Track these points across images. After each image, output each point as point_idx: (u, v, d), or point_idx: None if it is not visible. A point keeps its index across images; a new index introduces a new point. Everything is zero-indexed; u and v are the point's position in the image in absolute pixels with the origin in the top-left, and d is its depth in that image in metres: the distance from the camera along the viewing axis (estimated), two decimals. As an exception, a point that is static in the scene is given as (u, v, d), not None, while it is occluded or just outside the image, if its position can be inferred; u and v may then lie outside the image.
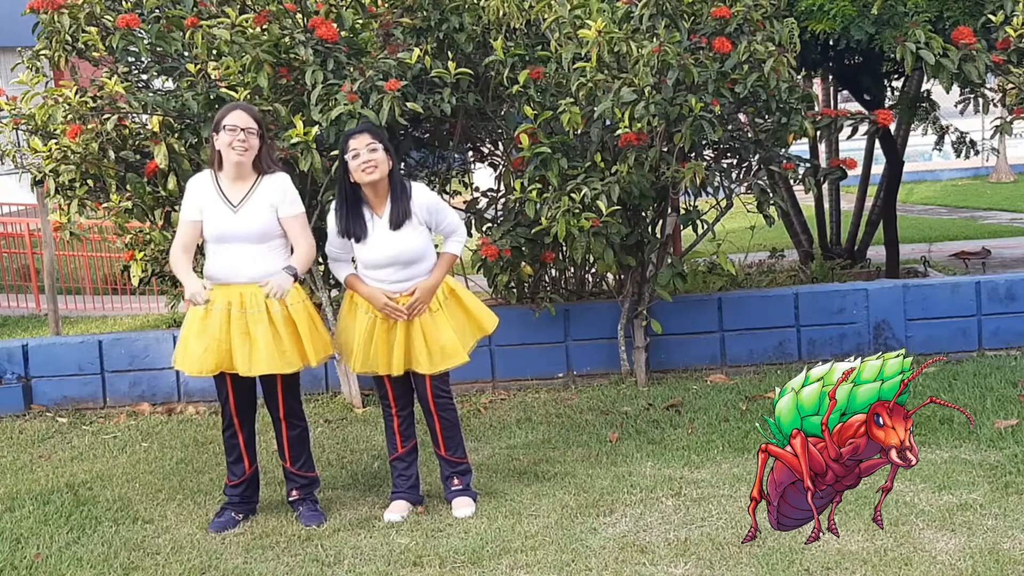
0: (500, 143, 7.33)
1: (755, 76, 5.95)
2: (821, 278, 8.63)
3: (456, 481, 4.88)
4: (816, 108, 6.69)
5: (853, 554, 4.08)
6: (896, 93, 8.96)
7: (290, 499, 4.93)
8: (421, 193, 4.77)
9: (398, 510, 4.80)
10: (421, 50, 6.21)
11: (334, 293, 6.84)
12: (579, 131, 6.12)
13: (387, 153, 4.67)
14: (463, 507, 4.78)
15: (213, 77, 6.14)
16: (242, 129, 4.57)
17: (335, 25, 6.13)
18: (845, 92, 9.71)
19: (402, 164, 7.17)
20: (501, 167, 7.40)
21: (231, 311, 4.62)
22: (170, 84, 6.72)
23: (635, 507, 4.69)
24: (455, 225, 4.90)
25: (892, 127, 8.33)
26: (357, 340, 4.77)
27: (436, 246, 4.91)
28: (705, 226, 6.68)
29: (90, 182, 6.17)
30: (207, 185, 4.69)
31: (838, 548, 4.11)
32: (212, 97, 6.07)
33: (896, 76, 8.60)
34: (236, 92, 5.92)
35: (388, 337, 4.71)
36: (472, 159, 8.04)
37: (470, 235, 7.34)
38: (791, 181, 7.04)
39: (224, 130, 4.59)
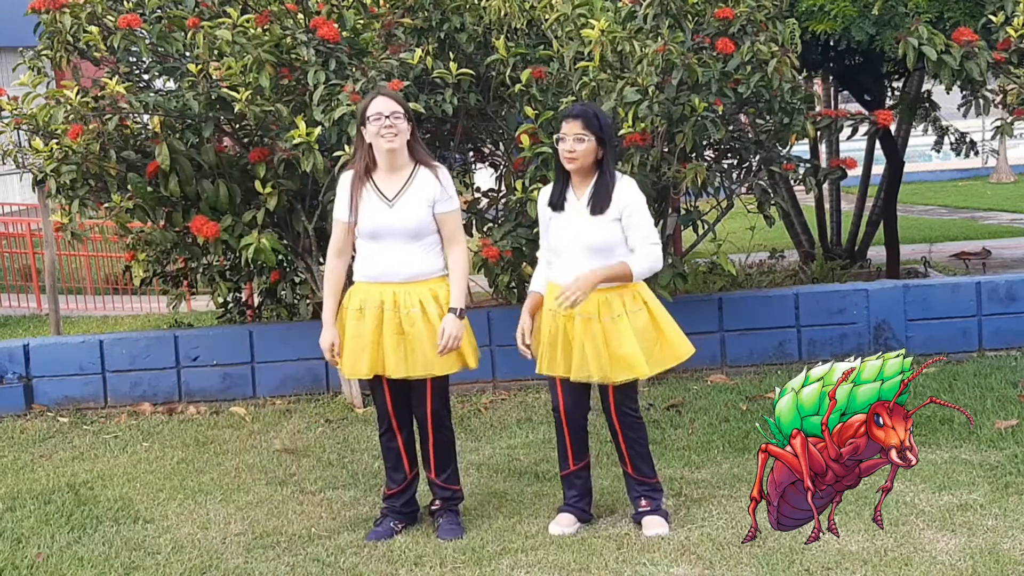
0: (501, 143, 7.34)
1: (758, 76, 5.96)
2: (821, 278, 8.63)
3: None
4: (817, 108, 6.70)
5: (853, 554, 4.09)
6: (896, 93, 8.97)
7: (431, 508, 4.71)
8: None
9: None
10: (422, 50, 6.22)
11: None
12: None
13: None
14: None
15: (215, 77, 6.15)
16: (387, 116, 4.33)
17: (337, 25, 6.14)
18: (845, 92, 9.72)
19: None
20: (502, 167, 7.41)
21: (384, 311, 4.42)
22: (171, 84, 6.73)
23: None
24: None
25: (892, 127, 8.34)
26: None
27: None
28: (706, 226, 6.69)
29: (91, 182, 6.17)
30: (359, 180, 4.46)
31: (838, 548, 4.12)
32: (213, 97, 6.08)
33: (896, 76, 8.61)
34: (237, 92, 5.92)
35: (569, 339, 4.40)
36: (473, 159, 8.05)
37: (470, 235, 7.36)
38: (791, 181, 7.04)
39: (369, 121, 4.36)
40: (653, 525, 4.45)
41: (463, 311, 4.45)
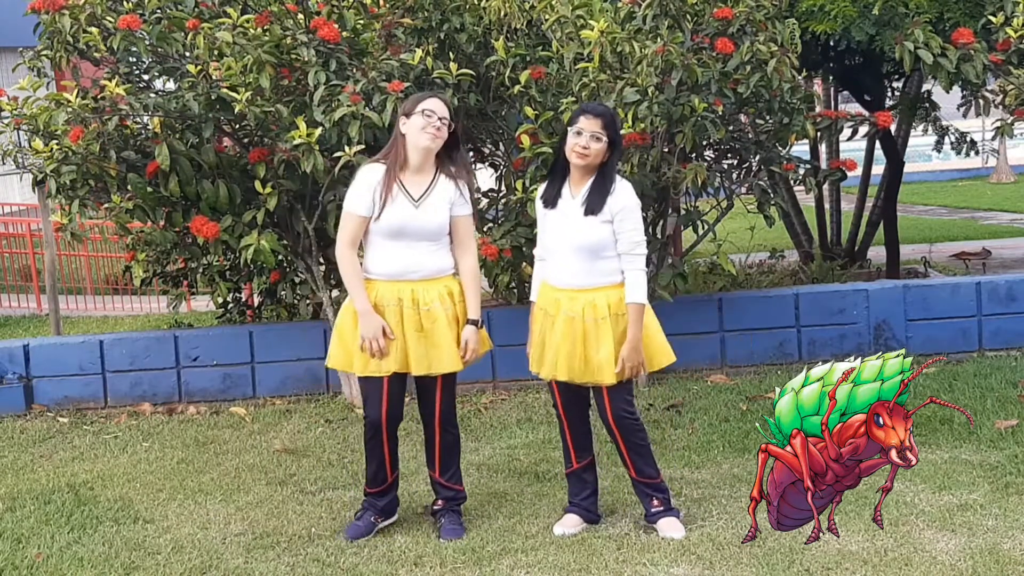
0: (501, 143, 7.34)
1: (758, 76, 5.96)
2: (821, 278, 8.64)
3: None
4: (817, 109, 6.70)
5: (853, 554, 4.09)
6: (896, 94, 8.97)
7: (433, 508, 4.70)
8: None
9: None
10: (423, 51, 6.22)
11: (335, 293, 6.84)
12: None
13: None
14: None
15: (214, 78, 6.14)
16: (439, 117, 4.36)
17: (337, 26, 6.14)
18: (845, 92, 9.72)
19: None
20: (502, 167, 7.41)
21: (403, 308, 4.41)
22: (171, 85, 6.73)
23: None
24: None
25: (892, 128, 8.34)
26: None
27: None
28: (706, 226, 6.69)
29: (91, 182, 6.16)
30: (383, 176, 4.42)
31: (838, 548, 4.12)
32: (213, 98, 6.08)
33: (897, 77, 8.62)
34: (237, 93, 5.92)
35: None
36: (473, 159, 8.04)
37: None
38: (791, 181, 7.04)
39: (420, 114, 4.35)
40: (670, 528, 4.43)
41: (480, 322, 4.53)
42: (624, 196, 4.39)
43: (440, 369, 4.46)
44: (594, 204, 4.35)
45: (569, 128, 4.37)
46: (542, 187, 4.57)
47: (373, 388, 4.50)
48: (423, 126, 4.36)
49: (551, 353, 4.42)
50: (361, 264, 4.54)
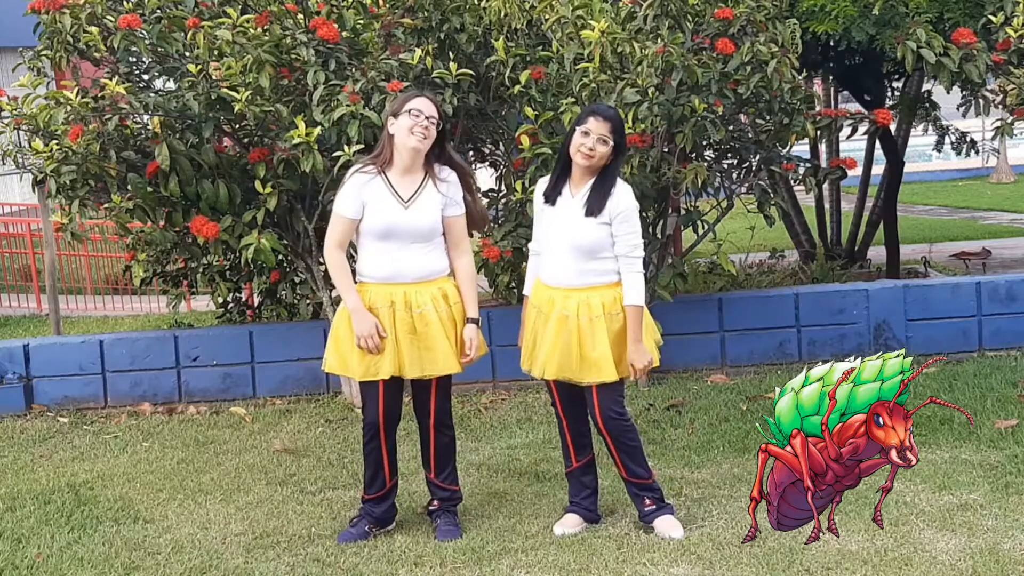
0: (501, 143, 7.34)
1: (758, 77, 5.96)
2: (821, 278, 8.64)
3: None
4: (817, 108, 6.70)
5: (853, 554, 4.09)
6: (896, 94, 8.98)
7: (429, 509, 4.68)
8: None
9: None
10: (422, 51, 6.23)
11: (335, 293, 6.84)
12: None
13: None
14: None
15: (214, 77, 6.14)
16: (426, 116, 4.32)
17: (336, 26, 6.14)
18: (845, 92, 9.73)
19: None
20: (502, 168, 7.41)
21: (395, 310, 4.38)
22: (171, 84, 6.73)
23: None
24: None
25: (892, 127, 8.34)
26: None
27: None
28: (706, 226, 6.69)
29: (91, 182, 6.16)
30: (372, 179, 4.40)
31: (838, 548, 4.12)
32: (213, 97, 6.08)
33: (897, 77, 8.62)
34: (237, 92, 5.92)
35: None
36: (473, 159, 8.05)
37: (470, 235, 7.35)
38: (791, 181, 7.04)
39: (407, 114, 4.32)
40: (669, 527, 4.41)
41: (478, 319, 4.52)
42: (623, 199, 4.37)
43: (434, 372, 4.44)
44: (594, 206, 4.34)
45: (577, 127, 4.35)
46: (544, 181, 4.56)
47: (370, 391, 4.49)
48: (411, 126, 4.33)
49: (543, 351, 4.42)
50: (354, 268, 4.53)
